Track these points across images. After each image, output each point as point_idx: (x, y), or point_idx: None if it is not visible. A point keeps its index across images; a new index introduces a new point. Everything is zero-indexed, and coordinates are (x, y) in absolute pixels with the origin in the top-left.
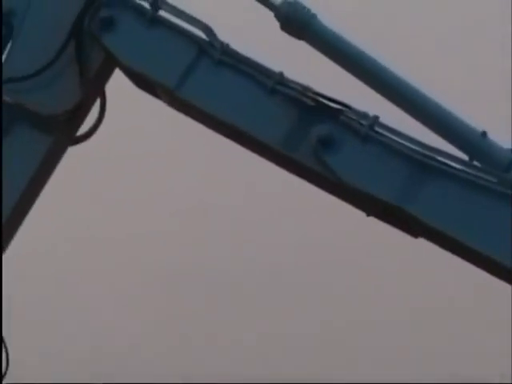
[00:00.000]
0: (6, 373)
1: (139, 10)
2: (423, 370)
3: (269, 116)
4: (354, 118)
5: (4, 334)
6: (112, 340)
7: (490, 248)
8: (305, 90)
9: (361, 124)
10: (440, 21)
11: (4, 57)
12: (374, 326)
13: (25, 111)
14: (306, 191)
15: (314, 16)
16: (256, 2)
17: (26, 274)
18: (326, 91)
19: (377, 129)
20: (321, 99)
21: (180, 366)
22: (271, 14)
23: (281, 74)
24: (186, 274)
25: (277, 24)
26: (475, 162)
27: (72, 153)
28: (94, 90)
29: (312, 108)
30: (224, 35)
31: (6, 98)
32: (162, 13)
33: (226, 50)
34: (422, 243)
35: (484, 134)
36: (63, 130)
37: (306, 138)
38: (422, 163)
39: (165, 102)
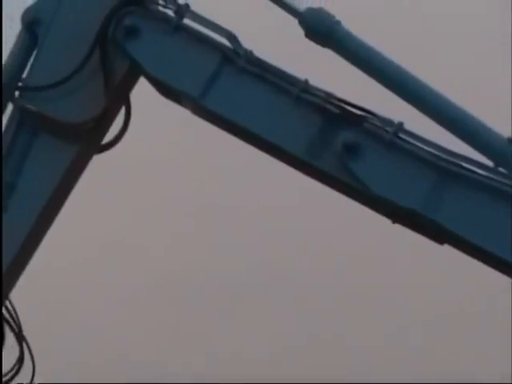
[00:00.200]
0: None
1: (163, 18)
2: (423, 369)
3: (293, 124)
4: (379, 124)
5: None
6: (112, 340)
7: None
8: (329, 97)
9: (385, 131)
10: (440, 20)
11: (29, 66)
12: (374, 326)
13: (49, 120)
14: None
15: (338, 23)
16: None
17: (26, 274)
18: (349, 98)
19: (401, 135)
20: (345, 106)
21: (180, 365)
22: (295, 21)
23: (305, 82)
24: (186, 274)
25: (300, 31)
26: (501, 169)
27: None
28: (119, 98)
29: (336, 115)
30: (247, 42)
31: (30, 106)
32: (186, 21)
33: (250, 57)
34: (423, 244)
35: (510, 140)
36: (88, 139)
37: (331, 145)
38: (446, 170)
39: (189, 109)
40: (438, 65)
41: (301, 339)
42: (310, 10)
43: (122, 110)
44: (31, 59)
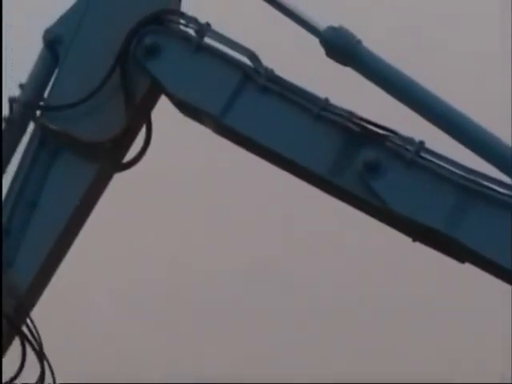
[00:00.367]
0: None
1: (185, 37)
2: (423, 369)
3: (314, 142)
4: (400, 143)
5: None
6: (112, 340)
7: None
8: (350, 115)
9: (407, 149)
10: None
11: (50, 84)
12: (374, 326)
13: (70, 139)
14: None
15: (359, 42)
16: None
17: None
18: (370, 116)
19: (423, 154)
20: (366, 125)
21: (180, 366)
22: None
23: (326, 100)
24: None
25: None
26: None
27: None
28: (140, 116)
29: (357, 134)
30: (268, 61)
31: (51, 125)
32: (207, 39)
33: (270, 76)
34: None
35: None
36: (109, 157)
37: (352, 163)
38: (467, 188)
39: (209, 128)
40: (438, 65)
41: (301, 339)
42: (331, 29)
43: (144, 129)
44: (52, 78)
